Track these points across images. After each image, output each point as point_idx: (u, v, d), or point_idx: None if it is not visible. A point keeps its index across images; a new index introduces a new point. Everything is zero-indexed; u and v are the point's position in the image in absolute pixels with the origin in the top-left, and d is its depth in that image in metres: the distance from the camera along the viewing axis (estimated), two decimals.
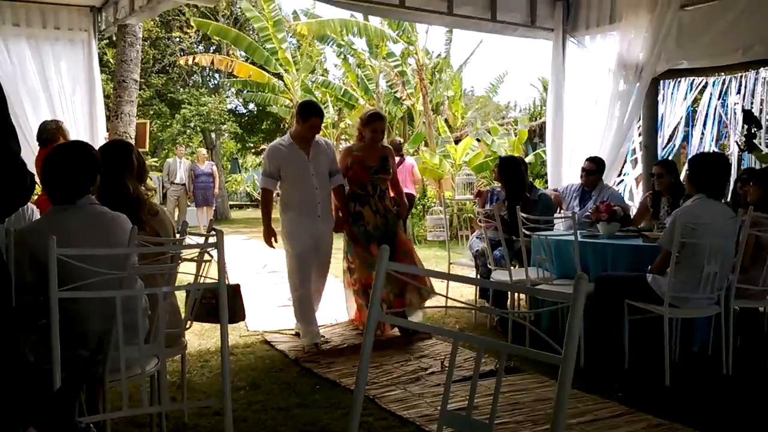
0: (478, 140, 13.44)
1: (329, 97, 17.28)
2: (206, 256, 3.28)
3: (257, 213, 14.68)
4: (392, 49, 15.42)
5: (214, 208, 14.39)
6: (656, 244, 4.14)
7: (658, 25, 6.02)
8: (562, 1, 6.95)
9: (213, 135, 19.13)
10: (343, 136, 18.73)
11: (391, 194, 5.24)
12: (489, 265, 5.14)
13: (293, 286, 4.93)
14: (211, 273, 3.18)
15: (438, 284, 5.94)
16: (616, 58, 6.42)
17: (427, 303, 5.07)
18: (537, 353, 1.53)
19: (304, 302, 4.86)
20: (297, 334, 5.05)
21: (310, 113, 4.78)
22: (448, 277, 2.12)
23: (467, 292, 6.21)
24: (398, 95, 15.61)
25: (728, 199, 5.44)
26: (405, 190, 11.80)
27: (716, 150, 10.33)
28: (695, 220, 3.83)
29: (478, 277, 5.39)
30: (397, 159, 11.16)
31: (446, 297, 4.80)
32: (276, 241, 4.96)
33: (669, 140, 10.56)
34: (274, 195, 5.18)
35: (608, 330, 4.22)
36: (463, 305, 6.04)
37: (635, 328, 4.15)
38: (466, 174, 11.08)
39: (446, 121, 15.93)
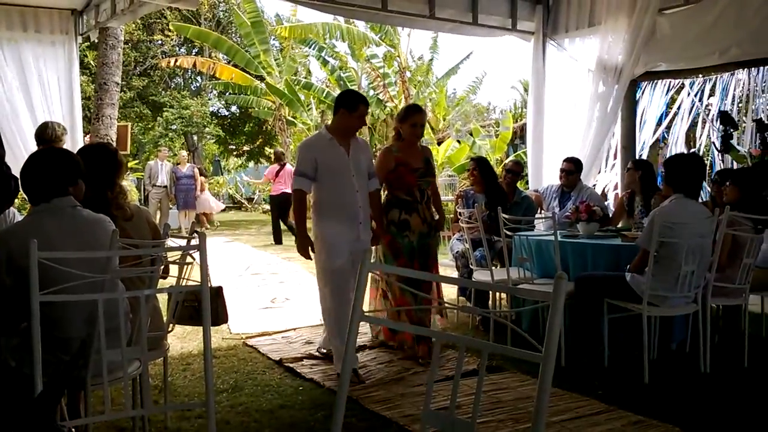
0: (459, 142, 13.51)
1: (312, 99, 17.28)
2: (188, 259, 3.28)
3: (239, 215, 14.65)
4: (375, 52, 15.47)
5: (195, 210, 14.32)
6: (635, 244, 4.20)
7: (636, 28, 6.11)
8: (542, 5, 7.02)
9: (195, 137, 19.06)
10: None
11: None
12: (471, 266, 5.17)
13: (329, 309, 4.15)
14: (194, 275, 3.19)
15: None
16: (595, 61, 6.50)
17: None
18: (518, 352, 1.56)
19: (343, 323, 3.95)
20: (324, 356, 4.51)
21: (356, 101, 4.14)
22: (431, 277, 2.14)
23: (449, 293, 6.25)
24: (381, 97, 15.65)
25: (705, 199, 5.54)
26: (283, 189, 12.14)
27: (693, 150, 10.47)
28: (673, 220, 3.90)
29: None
30: (277, 167, 11.92)
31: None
32: (313, 251, 4.15)
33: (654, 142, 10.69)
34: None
35: (588, 329, 4.27)
36: (445, 305, 6.06)
37: (615, 326, 4.21)
38: (449, 175, 11.14)
39: (429, 123, 15.99)
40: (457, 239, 5.68)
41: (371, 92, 16.12)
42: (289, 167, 11.67)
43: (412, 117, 4.48)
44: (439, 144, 13.92)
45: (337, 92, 16.78)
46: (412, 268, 4.26)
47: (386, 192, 4.57)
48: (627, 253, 4.30)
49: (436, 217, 4.65)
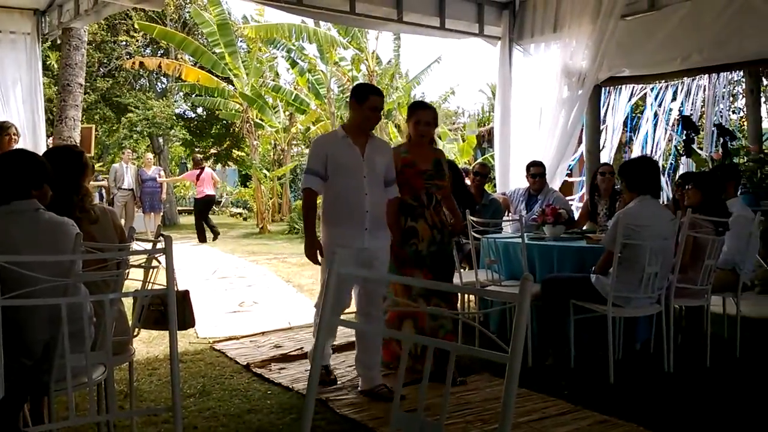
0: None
1: (280, 102, 17.18)
2: (154, 262, 3.24)
3: None
4: (343, 55, 15.46)
5: (162, 213, 14.15)
6: (599, 246, 4.27)
7: (600, 34, 6.21)
8: (509, 10, 7.10)
9: (161, 140, 18.81)
10: (293, 141, 18.67)
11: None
12: None
13: (318, 313, 3.85)
14: (160, 279, 3.15)
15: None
16: (560, 66, 6.60)
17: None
18: (485, 353, 1.57)
19: (327, 330, 3.82)
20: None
21: (366, 91, 3.87)
22: (401, 279, 2.14)
23: None
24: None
25: (668, 202, 5.66)
26: (205, 191, 13.05)
27: (655, 154, 10.68)
28: (636, 222, 3.97)
29: None
30: (197, 171, 12.92)
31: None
32: (322, 256, 3.80)
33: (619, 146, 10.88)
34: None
35: (554, 330, 4.32)
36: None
37: (580, 327, 4.27)
38: None
39: (397, 126, 16.04)
40: None
41: (341, 95, 16.10)
42: (209, 170, 13.68)
43: (416, 114, 4.19)
44: None
45: (305, 95, 16.74)
46: (421, 277, 4.01)
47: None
48: (592, 255, 4.37)
49: (452, 221, 4.35)
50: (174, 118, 18.42)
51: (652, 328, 4.49)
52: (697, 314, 4.60)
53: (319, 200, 3.99)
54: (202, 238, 12.90)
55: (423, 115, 4.18)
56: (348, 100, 4.10)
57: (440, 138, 14.71)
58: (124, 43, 18.11)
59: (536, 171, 5.93)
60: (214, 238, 12.98)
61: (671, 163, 11.11)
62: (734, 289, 4.58)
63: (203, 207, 13.32)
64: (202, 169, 13.35)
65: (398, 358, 4.04)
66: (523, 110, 7.05)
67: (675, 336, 4.25)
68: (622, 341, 4.41)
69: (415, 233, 4.11)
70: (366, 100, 3.78)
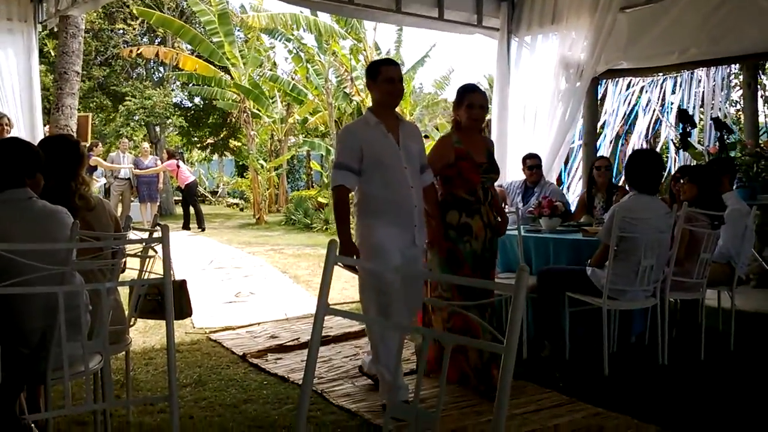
0: (426, 137, 13.54)
1: (277, 92, 17.14)
2: (151, 252, 3.24)
3: (203, 208, 14.51)
4: (342, 44, 15.39)
5: (158, 203, 14.13)
6: (595, 238, 4.28)
7: (598, 27, 6.19)
8: (507, 2, 7.08)
9: (157, 129, 18.75)
10: (291, 132, 18.63)
11: None
12: None
13: (372, 331, 3.54)
14: (156, 269, 3.15)
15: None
16: (558, 58, 6.58)
17: None
18: (481, 343, 1.58)
19: (389, 346, 3.39)
20: (368, 377, 3.84)
21: (377, 66, 3.56)
22: (397, 269, 2.14)
23: None
24: (347, 91, 15.61)
25: (665, 195, 5.67)
26: (190, 177, 13.40)
27: (651, 147, 10.69)
28: (632, 215, 3.98)
29: None
30: (173, 161, 13.15)
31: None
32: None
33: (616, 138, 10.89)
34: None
35: (550, 322, 4.34)
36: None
37: (576, 319, 4.29)
38: None
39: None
40: None
41: (339, 86, 16.07)
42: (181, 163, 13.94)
43: (468, 97, 3.82)
44: None
45: (303, 85, 16.71)
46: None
47: (441, 189, 3.88)
48: (588, 247, 4.38)
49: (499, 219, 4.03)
50: (171, 107, 18.35)
51: (647, 321, 4.51)
52: (692, 307, 4.62)
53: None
54: (188, 225, 13.24)
55: (475, 98, 3.83)
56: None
57: (438, 129, 14.69)
58: (121, 31, 18.01)
59: (533, 163, 5.92)
60: (201, 229, 13.10)
61: (667, 156, 11.11)
62: (729, 282, 4.60)
63: (192, 192, 13.64)
64: (178, 160, 13.67)
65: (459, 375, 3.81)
66: (520, 102, 7.04)
67: (670, 329, 4.28)
68: (617, 334, 4.44)
69: (470, 230, 3.77)
70: (378, 74, 3.49)
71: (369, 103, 15.03)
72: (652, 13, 6.16)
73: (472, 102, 3.81)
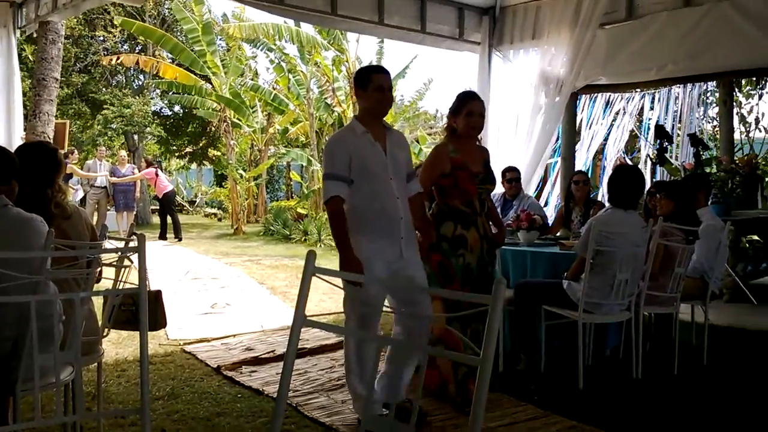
0: None
1: (258, 101, 17.10)
2: (126, 261, 3.20)
3: (180, 218, 14.39)
4: (324, 55, 15.42)
5: (135, 212, 13.99)
6: (572, 252, 4.31)
7: (578, 42, 6.27)
8: (489, 16, 7.15)
9: (136, 137, 18.59)
10: (271, 142, 18.58)
11: None
12: None
13: (350, 344, 3.39)
14: (131, 279, 3.11)
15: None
16: (538, 73, 6.65)
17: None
18: (457, 355, 1.58)
19: (363, 358, 3.27)
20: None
21: (367, 73, 3.41)
22: (375, 280, 2.12)
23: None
24: (329, 101, 15.63)
25: (641, 210, 5.73)
26: (168, 186, 13.33)
27: (633, 163, 10.83)
28: (609, 229, 4.01)
29: None
30: (152, 169, 13.12)
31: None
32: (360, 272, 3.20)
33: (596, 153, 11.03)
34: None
35: (526, 335, 4.35)
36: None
37: (552, 332, 4.30)
38: None
39: None
40: None
41: (320, 96, 16.09)
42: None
43: (468, 105, 3.74)
44: None
45: (285, 95, 16.68)
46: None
47: (437, 200, 3.81)
48: (564, 261, 4.41)
49: (495, 231, 3.95)
50: (150, 115, 18.21)
51: (622, 334, 4.55)
52: (666, 321, 4.66)
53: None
54: (165, 235, 13.10)
55: (476, 105, 3.74)
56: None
57: (418, 142, 14.75)
58: (101, 38, 17.87)
59: (511, 176, 5.97)
60: (178, 239, 12.98)
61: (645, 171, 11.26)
62: (703, 297, 4.64)
63: (170, 202, 13.50)
64: (158, 174, 13.51)
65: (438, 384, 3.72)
66: (500, 116, 7.09)
67: (644, 343, 4.30)
68: (592, 347, 4.46)
69: (465, 243, 3.68)
70: (369, 82, 3.35)
71: (350, 114, 15.06)
72: (631, 29, 6.25)
73: (471, 110, 3.74)
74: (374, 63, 16.25)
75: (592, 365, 4.34)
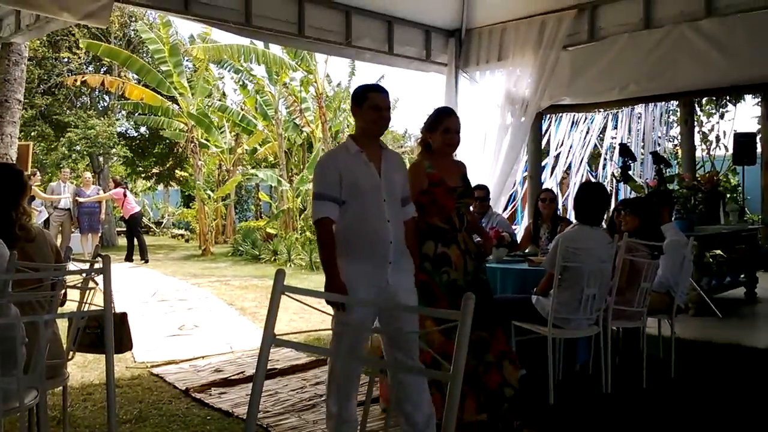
0: None
1: (226, 122, 17.03)
2: (91, 283, 3.15)
3: (147, 239, 14.20)
4: (292, 76, 15.45)
5: (100, 234, 13.76)
6: (541, 268, 4.36)
7: (542, 64, 6.41)
8: (455, 38, 7.25)
9: (101, 159, 18.33)
10: (239, 162, 18.48)
11: None
12: None
13: (331, 367, 3.23)
14: (97, 301, 3.06)
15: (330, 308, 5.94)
16: (504, 93, 6.77)
17: (323, 325, 4.61)
18: (428, 371, 1.58)
19: (346, 389, 3.10)
20: None
21: (364, 92, 3.27)
22: (346, 299, 2.12)
23: None
24: (298, 122, 15.63)
25: (606, 226, 5.83)
26: (136, 208, 13.19)
27: (598, 180, 11.02)
28: (576, 245, 4.07)
29: None
30: (120, 190, 13.12)
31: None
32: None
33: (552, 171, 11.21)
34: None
35: None
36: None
37: (522, 348, 4.32)
38: None
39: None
40: None
41: (289, 117, 16.09)
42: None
43: (444, 121, 3.70)
44: None
45: (253, 115, 16.64)
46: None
47: (417, 219, 3.64)
48: (533, 277, 4.46)
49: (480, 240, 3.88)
50: (115, 136, 17.99)
51: (591, 349, 4.59)
52: (633, 336, 4.72)
53: None
54: (131, 257, 12.95)
55: (453, 122, 3.70)
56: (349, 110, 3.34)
57: None
58: (66, 59, 17.65)
59: (480, 194, 6.01)
60: (144, 260, 12.84)
61: (610, 189, 11.46)
62: (669, 311, 4.72)
63: (136, 223, 13.33)
64: (124, 188, 13.55)
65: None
66: (468, 135, 7.16)
67: (613, 357, 4.35)
68: (562, 362, 4.49)
69: (448, 261, 3.60)
70: (365, 100, 3.22)
71: (319, 134, 15.09)
72: (594, 51, 6.41)
73: (448, 126, 3.68)
74: (344, 83, 16.35)
75: (562, 380, 4.37)
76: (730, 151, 10.75)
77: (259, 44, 13.15)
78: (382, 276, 3.11)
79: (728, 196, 10.52)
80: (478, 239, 3.94)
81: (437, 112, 3.80)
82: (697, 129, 11.96)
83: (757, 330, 6.41)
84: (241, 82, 16.52)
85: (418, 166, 3.72)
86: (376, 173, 3.18)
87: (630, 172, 7.96)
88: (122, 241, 15.53)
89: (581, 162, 11.79)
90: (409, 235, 3.32)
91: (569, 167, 11.85)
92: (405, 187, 3.35)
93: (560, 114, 10.54)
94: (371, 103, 3.21)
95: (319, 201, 3.14)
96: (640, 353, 4.51)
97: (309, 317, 6.49)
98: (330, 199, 3.12)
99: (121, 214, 13.98)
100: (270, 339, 1.78)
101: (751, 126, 11.69)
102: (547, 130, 10.43)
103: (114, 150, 18.09)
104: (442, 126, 3.69)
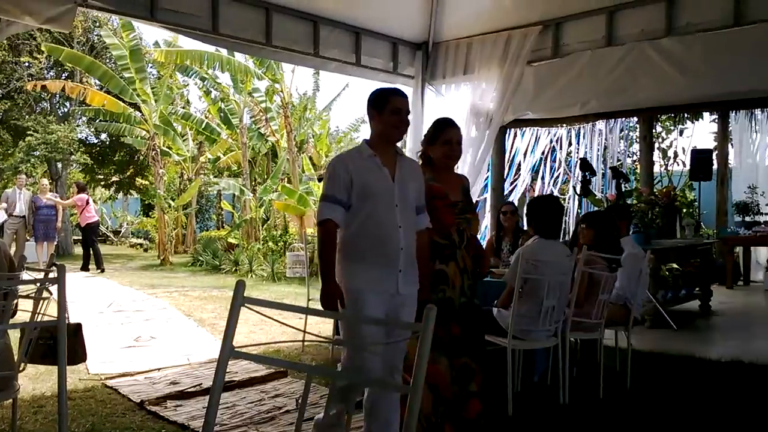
0: None
1: (189, 130, 16.84)
2: (45, 293, 3.07)
3: (105, 248, 13.93)
4: (257, 85, 15.37)
5: (55, 243, 13.44)
6: (502, 280, 4.39)
7: (507, 79, 6.50)
8: (422, 51, 7.31)
9: (59, 165, 17.95)
10: (202, 171, 18.29)
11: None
12: None
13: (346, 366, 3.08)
14: (50, 311, 2.98)
15: (296, 321, 5.90)
16: (469, 107, 6.83)
17: (284, 337, 4.64)
18: (387, 383, 1.57)
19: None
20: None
21: (385, 95, 3.20)
22: (306, 311, 2.09)
23: (326, 329, 6.21)
24: (263, 131, 15.54)
25: (566, 239, 5.92)
26: (95, 216, 13.03)
27: (555, 193, 11.20)
28: (536, 258, 4.12)
29: None
30: (84, 196, 12.78)
31: (304, 332, 4.72)
32: (343, 306, 3.06)
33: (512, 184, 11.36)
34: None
35: None
36: (319, 339, 6.03)
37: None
38: None
39: (310, 158, 16.04)
40: None
41: (253, 126, 15.99)
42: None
43: (446, 132, 3.58)
44: (320, 180, 13.98)
45: (217, 124, 16.47)
46: (449, 332, 3.38)
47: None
48: (494, 289, 4.50)
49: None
50: (76, 143, 17.63)
51: (549, 360, 4.64)
52: (591, 347, 4.79)
53: None
54: (87, 266, 12.70)
55: (455, 133, 3.58)
56: (366, 115, 3.19)
57: None
58: (26, 64, 17.26)
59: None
60: (100, 270, 12.59)
61: (569, 203, 11.65)
62: (625, 323, 4.80)
63: (93, 233, 13.06)
64: (88, 202, 13.13)
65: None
66: None
67: (570, 368, 4.40)
68: (521, 373, 4.52)
69: (445, 278, 3.47)
70: (386, 103, 3.16)
71: (284, 144, 15.01)
72: (557, 67, 6.53)
73: (450, 137, 3.56)
74: (310, 93, 16.32)
75: (521, 391, 4.41)
76: (688, 166, 11.02)
77: (224, 51, 13.04)
78: (392, 284, 3.04)
79: (684, 210, 10.79)
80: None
81: (437, 123, 3.69)
82: (656, 145, 12.26)
83: (711, 342, 6.55)
84: (205, 90, 16.38)
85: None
86: (389, 177, 3.11)
87: (590, 187, 8.10)
88: (78, 249, 15.21)
89: (542, 176, 11.97)
90: (422, 249, 3.22)
91: (532, 181, 12.02)
92: (420, 195, 3.26)
93: (524, 128, 10.68)
94: (393, 107, 3.14)
95: (324, 203, 3.08)
96: (598, 364, 4.57)
97: (269, 329, 6.42)
98: (336, 201, 3.06)
99: (78, 222, 13.65)
100: (229, 351, 1.76)
101: (708, 142, 12.01)
102: (512, 144, 10.56)
103: (73, 157, 17.74)
104: (443, 137, 3.58)
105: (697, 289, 7.98)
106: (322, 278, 3.05)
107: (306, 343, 5.62)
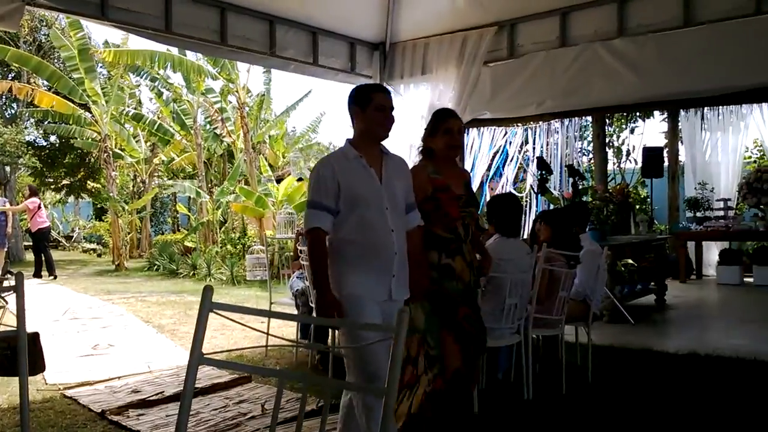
0: (300, 179, 13.56)
1: (141, 131, 16.52)
2: (1, 302, 2.98)
3: (57, 254, 13.56)
4: (212, 86, 15.16)
5: (6, 249, 13.02)
6: None
7: (464, 79, 6.56)
8: (379, 51, 7.32)
9: (7, 169, 17.40)
10: (156, 173, 17.96)
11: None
12: (311, 304, 5.15)
13: (360, 398, 2.75)
14: (5, 320, 2.89)
15: (259, 324, 5.84)
16: (428, 107, 6.86)
17: (248, 343, 4.61)
18: (361, 387, 1.57)
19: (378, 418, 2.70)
20: None
21: (367, 92, 3.09)
22: (269, 314, 2.05)
23: (288, 332, 6.17)
24: (218, 132, 15.34)
25: (526, 237, 5.99)
26: (46, 221, 12.90)
27: (510, 191, 11.36)
28: (498, 256, 4.15)
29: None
30: (37, 200, 12.61)
31: (267, 334, 4.69)
32: (341, 315, 2.91)
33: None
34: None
35: None
36: (284, 342, 5.99)
37: None
38: (288, 212, 11.12)
39: (266, 158, 15.90)
40: (297, 277, 5.65)
41: (208, 126, 15.77)
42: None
43: (446, 122, 3.47)
44: (278, 182, 13.88)
45: (170, 124, 16.17)
46: (459, 314, 3.37)
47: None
48: None
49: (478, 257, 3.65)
50: (24, 145, 17.12)
51: (513, 357, 4.70)
52: (552, 343, 4.87)
53: None
54: (40, 273, 12.46)
55: (455, 122, 3.48)
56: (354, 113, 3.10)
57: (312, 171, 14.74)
58: None
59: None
60: (52, 276, 12.31)
61: (527, 201, 11.82)
62: (585, 318, 4.90)
63: (44, 238, 12.86)
64: (40, 207, 12.85)
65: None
66: (393, 147, 7.22)
67: (533, 365, 4.47)
68: (485, 371, 4.57)
69: (452, 273, 3.39)
70: (369, 101, 3.04)
71: (240, 144, 14.84)
72: (513, 67, 6.61)
73: (450, 127, 3.46)
74: (263, 92, 16.16)
75: (485, 388, 4.45)
76: (640, 164, 11.29)
77: (175, 50, 12.82)
78: (385, 290, 2.95)
79: (638, 207, 11.06)
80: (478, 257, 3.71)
81: (437, 114, 3.59)
82: (609, 143, 12.53)
83: (667, 335, 6.73)
84: (156, 90, 16.08)
85: (422, 170, 3.46)
86: (376, 179, 2.99)
87: (547, 185, 8.23)
88: (30, 256, 14.77)
89: (502, 174, 12.11)
90: (416, 246, 3.12)
91: (490, 180, 12.14)
92: (409, 193, 3.16)
93: (482, 128, 10.79)
94: (377, 104, 3.03)
95: (310, 210, 2.96)
96: (559, 360, 4.65)
97: (230, 334, 6.34)
98: (323, 208, 2.93)
99: (28, 227, 13.25)
100: (198, 358, 1.73)
101: (659, 140, 12.32)
102: (471, 144, 10.65)
103: (22, 160, 17.22)
104: (443, 127, 3.47)
105: (652, 283, 8.18)
106: (316, 288, 2.94)
107: (269, 348, 5.57)
